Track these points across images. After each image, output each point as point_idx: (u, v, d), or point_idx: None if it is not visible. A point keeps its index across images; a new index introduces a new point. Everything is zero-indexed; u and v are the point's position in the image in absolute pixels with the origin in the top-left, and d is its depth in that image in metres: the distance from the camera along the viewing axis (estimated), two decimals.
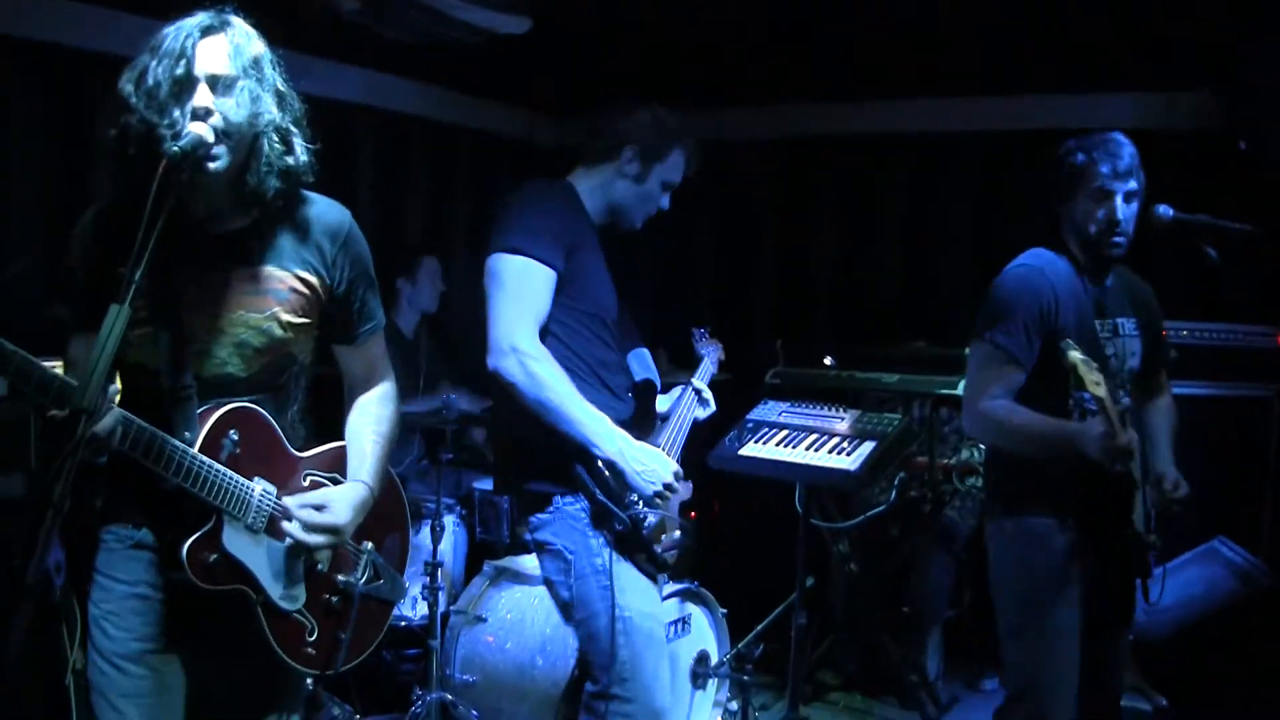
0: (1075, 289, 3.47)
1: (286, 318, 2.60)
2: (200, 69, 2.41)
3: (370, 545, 2.80)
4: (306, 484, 2.69)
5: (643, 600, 3.39)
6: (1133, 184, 3.42)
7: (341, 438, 2.83)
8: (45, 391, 2.21)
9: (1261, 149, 5.40)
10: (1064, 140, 3.55)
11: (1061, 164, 3.49)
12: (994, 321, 3.44)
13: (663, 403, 3.82)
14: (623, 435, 3.30)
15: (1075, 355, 3.14)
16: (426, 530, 4.84)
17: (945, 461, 5.20)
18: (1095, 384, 3.12)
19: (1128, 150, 3.43)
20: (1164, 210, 3.53)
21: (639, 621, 3.34)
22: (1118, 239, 3.44)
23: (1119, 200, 3.40)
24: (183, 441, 2.41)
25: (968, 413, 3.55)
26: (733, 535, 6.22)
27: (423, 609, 4.91)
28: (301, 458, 2.71)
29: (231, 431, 2.51)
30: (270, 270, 2.59)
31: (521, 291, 3.26)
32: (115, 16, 4.76)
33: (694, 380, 4.00)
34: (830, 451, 4.30)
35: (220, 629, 2.59)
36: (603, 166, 3.54)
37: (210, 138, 2.38)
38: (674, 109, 3.58)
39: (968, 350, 3.61)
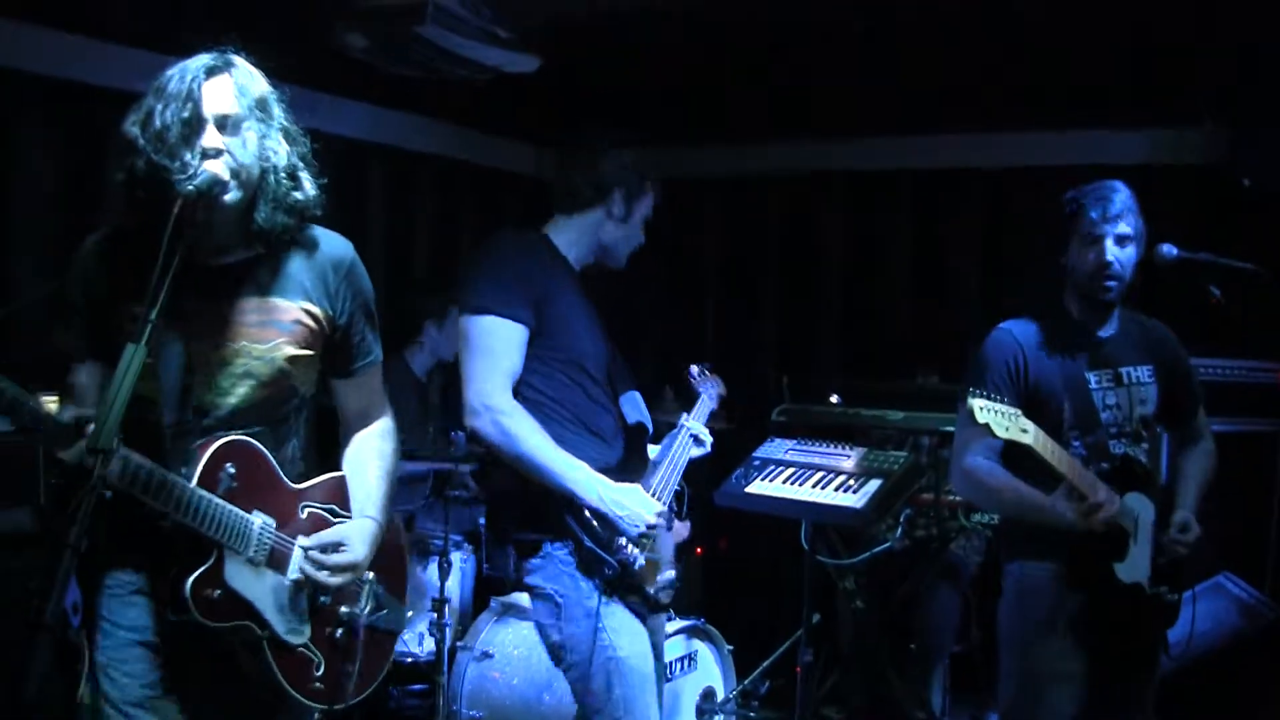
0: (1056, 346, 3.51)
1: (291, 349, 2.60)
2: (208, 110, 2.44)
3: (372, 576, 2.78)
4: (305, 516, 2.68)
5: (634, 642, 3.40)
6: (1125, 228, 3.45)
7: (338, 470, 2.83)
8: (35, 427, 2.22)
9: (1265, 186, 5.42)
10: (1070, 178, 3.59)
11: (1061, 216, 3.54)
12: (971, 382, 3.46)
13: (653, 450, 3.80)
14: (601, 481, 3.32)
15: (975, 403, 3.09)
16: (434, 566, 4.84)
17: (951, 498, 5.20)
18: (1022, 431, 3.13)
19: (1119, 195, 3.47)
20: (1168, 249, 3.57)
21: (632, 663, 3.35)
22: (1109, 282, 3.47)
23: (1109, 243, 3.44)
24: (180, 477, 2.40)
25: (952, 471, 3.62)
26: (739, 572, 6.21)
27: (429, 645, 4.90)
28: (298, 490, 2.69)
29: (228, 465, 2.49)
30: (275, 301, 2.60)
31: (490, 350, 3.31)
32: (124, 52, 4.79)
33: (688, 420, 3.96)
34: (837, 489, 4.31)
35: (227, 668, 2.58)
36: (588, 212, 3.56)
37: (225, 175, 2.42)
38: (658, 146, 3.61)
39: None
